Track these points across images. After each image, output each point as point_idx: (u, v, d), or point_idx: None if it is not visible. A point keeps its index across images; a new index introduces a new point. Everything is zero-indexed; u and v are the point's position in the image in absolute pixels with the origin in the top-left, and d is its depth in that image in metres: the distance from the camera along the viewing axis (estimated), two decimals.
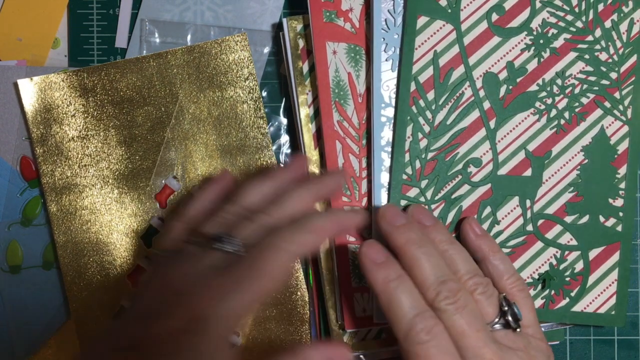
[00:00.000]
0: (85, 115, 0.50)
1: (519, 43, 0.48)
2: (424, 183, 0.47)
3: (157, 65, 0.50)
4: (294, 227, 0.39)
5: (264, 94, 0.51)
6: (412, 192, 0.47)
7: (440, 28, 0.47)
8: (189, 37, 0.51)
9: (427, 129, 0.47)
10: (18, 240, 0.51)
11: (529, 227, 0.48)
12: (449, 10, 0.47)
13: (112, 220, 0.50)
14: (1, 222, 0.51)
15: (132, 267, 0.50)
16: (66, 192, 0.50)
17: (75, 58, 0.52)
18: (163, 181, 0.50)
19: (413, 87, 0.47)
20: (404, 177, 0.47)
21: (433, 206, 0.47)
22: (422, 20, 0.47)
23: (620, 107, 0.48)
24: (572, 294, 0.48)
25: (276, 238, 0.39)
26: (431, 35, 0.47)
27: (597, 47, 0.48)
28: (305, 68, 0.48)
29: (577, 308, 0.48)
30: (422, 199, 0.47)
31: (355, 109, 0.47)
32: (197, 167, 0.50)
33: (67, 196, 0.50)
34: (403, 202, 0.47)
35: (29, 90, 0.50)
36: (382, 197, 0.47)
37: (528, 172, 0.48)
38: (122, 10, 0.52)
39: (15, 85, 0.51)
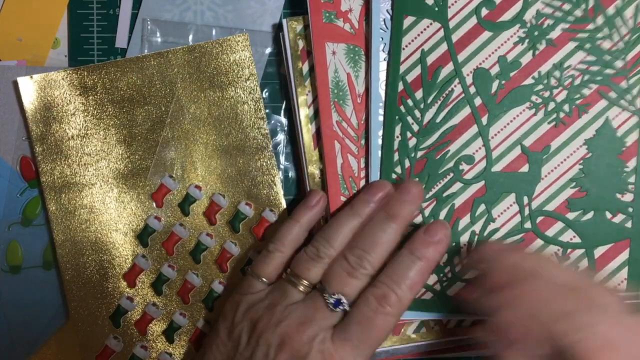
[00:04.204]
0: (85, 114, 0.51)
1: (511, 36, 0.47)
2: None
3: (158, 65, 0.51)
4: (396, 288, 0.42)
5: (265, 94, 0.52)
6: None
7: (427, 27, 0.47)
8: (190, 37, 0.51)
9: (415, 127, 0.47)
10: (18, 240, 0.51)
11: (527, 225, 0.46)
12: (436, 9, 0.47)
13: (111, 219, 0.51)
14: (1, 222, 0.51)
15: (129, 267, 0.51)
16: (65, 190, 0.51)
17: (75, 58, 0.52)
18: (159, 180, 0.51)
19: (401, 86, 0.47)
20: (394, 176, 0.47)
21: (424, 205, 0.47)
22: (408, 20, 0.47)
23: (628, 96, 0.46)
24: None
25: (383, 305, 0.42)
26: (418, 35, 0.47)
27: (599, 35, 0.46)
28: (305, 69, 0.50)
29: None
30: None
31: (354, 110, 0.48)
32: (197, 167, 0.51)
33: (66, 195, 0.51)
34: None
35: (29, 89, 0.51)
36: None
37: (525, 168, 0.47)
38: (122, 10, 0.52)
39: (15, 84, 0.51)
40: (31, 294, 0.51)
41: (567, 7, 0.46)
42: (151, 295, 0.51)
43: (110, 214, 0.51)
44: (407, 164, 0.47)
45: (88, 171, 0.51)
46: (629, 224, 0.46)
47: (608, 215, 0.46)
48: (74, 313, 0.51)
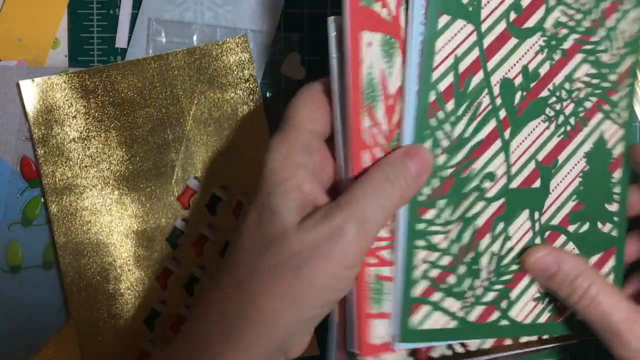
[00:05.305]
0: (87, 116, 0.50)
1: (533, 45, 0.44)
2: (442, 203, 0.43)
3: (158, 67, 0.50)
4: None
5: (269, 94, 0.51)
6: (430, 214, 0.42)
7: (462, 29, 0.41)
8: (195, 37, 0.51)
9: (445, 143, 0.42)
10: (18, 240, 0.51)
11: (537, 240, 0.46)
12: (470, 9, 0.41)
13: (112, 221, 0.51)
14: (1, 222, 0.51)
15: (159, 270, 0.51)
16: (67, 192, 0.50)
17: (75, 58, 0.52)
18: (185, 183, 0.50)
19: (432, 96, 0.41)
20: (421, 197, 0.42)
21: (450, 227, 0.43)
22: (443, 20, 0.41)
23: (617, 109, 0.47)
24: None
25: None
26: (452, 37, 0.41)
27: (600, 47, 0.46)
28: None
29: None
30: (440, 220, 0.43)
31: (385, 113, 0.40)
32: (198, 168, 0.50)
33: (67, 197, 0.50)
34: (420, 226, 0.42)
35: (31, 92, 0.50)
36: None
37: (537, 183, 0.45)
38: (122, 10, 0.52)
39: (18, 87, 0.50)
40: (31, 294, 0.51)
41: (579, 16, 0.45)
42: (184, 297, 0.51)
43: (112, 215, 0.51)
44: (436, 184, 0.42)
45: (89, 173, 0.50)
46: (614, 233, 0.48)
47: (599, 225, 0.47)
48: (75, 315, 0.50)
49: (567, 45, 0.45)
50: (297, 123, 0.40)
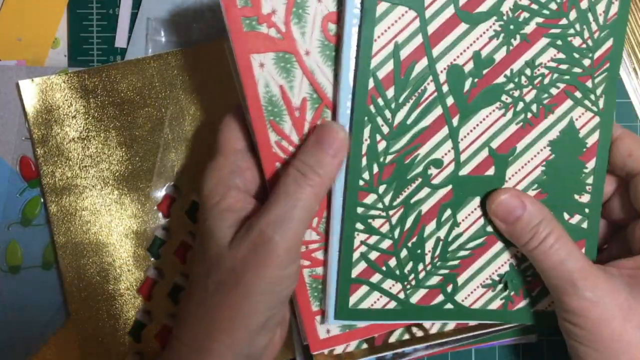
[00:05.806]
0: (86, 116, 0.50)
1: (487, 30, 0.43)
2: (382, 188, 0.43)
3: (158, 67, 0.50)
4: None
5: None
6: (370, 199, 0.43)
7: (403, 15, 0.41)
8: (194, 37, 0.51)
9: (385, 130, 0.43)
10: (18, 240, 0.51)
11: (489, 228, 0.45)
12: None
13: (112, 221, 0.51)
14: (1, 222, 0.51)
15: (142, 281, 0.51)
16: (66, 192, 0.50)
17: (75, 58, 0.52)
18: (163, 191, 0.51)
19: (371, 83, 0.42)
20: (361, 183, 0.43)
21: (391, 212, 0.44)
22: (382, 6, 0.41)
23: (592, 96, 0.45)
24: (534, 294, 0.47)
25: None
26: (392, 24, 0.41)
27: (571, 31, 0.44)
28: None
29: (540, 307, 0.47)
30: (380, 205, 0.44)
31: (293, 125, 0.42)
32: (197, 168, 0.50)
33: (67, 197, 0.50)
34: (360, 210, 0.43)
35: (31, 91, 0.50)
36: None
37: (491, 171, 0.45)
38: (122, 10, 0.52)
39: (17, 86, 0.50)
40: (31, 294, 0.51)
41: None
42: (169, 306, 0.51)
43: (111, 215, 0.51)
44: (375, 169, 0.43)
45: (89, 173, 0.50)
46: (584, 225, 0.46)
47: (566, 216, 0.46)
48: (74, 315, 0.51)
49: (528, 29, 0.43)
50: (223, 147, 0.42)
